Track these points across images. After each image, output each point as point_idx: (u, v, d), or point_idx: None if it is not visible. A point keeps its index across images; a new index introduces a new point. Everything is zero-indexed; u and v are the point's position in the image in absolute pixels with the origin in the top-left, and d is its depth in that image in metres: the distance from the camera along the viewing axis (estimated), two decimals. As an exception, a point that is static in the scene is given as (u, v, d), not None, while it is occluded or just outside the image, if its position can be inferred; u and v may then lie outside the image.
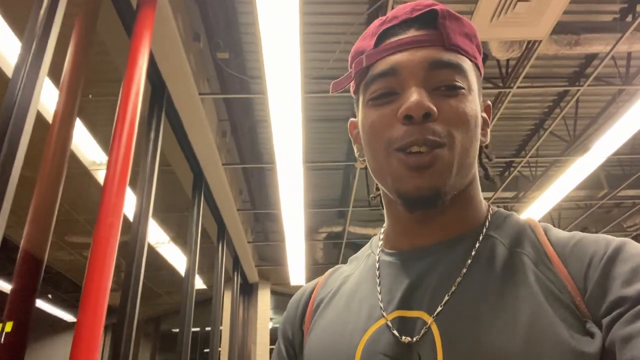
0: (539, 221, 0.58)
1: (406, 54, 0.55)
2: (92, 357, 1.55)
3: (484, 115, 0.62)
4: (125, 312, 2.19)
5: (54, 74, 1.84)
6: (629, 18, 3.76)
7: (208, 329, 5.39)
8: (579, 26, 3.65)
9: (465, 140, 0.54)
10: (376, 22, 0.60)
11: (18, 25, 2.66)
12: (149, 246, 6.06)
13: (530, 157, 5.35)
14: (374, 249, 0.64)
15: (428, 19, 0.56)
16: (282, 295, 8.36)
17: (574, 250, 0.51)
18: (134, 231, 2.31)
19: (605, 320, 0.45)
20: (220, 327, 5.69)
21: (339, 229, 6.74)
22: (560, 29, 3.60)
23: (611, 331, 0.44)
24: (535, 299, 0.48)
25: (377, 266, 0.61)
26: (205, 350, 7.59)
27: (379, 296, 0.57)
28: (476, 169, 0.60)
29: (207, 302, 5.32)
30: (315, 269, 7.48)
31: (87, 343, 1.55)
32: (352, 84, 0.62)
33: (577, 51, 3.70)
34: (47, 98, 2.48)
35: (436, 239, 0.57)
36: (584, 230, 7.44)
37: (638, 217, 6.58)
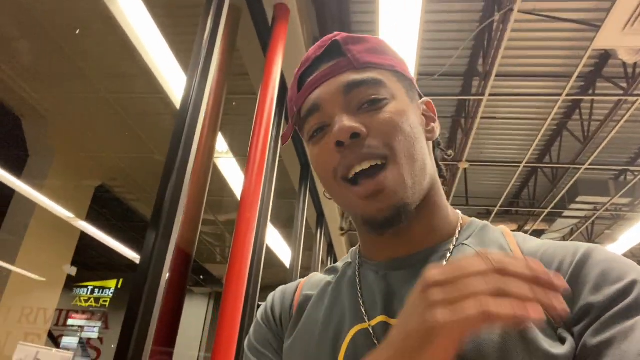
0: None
1: (322, 87, 0.58)
2: (235, 323, 1.82)
3: (427, 112, 0.64)
4: (248, 296, 2.47)
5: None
6: None
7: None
8: None
9: (406, 146, 0.55)
10: (296, 70, 0.63)
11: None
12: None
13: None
14: (353, 259, 0.66)
15: (334, 50, 0.59)
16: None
17: (543, 257, 0.52)
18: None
19: (575, 329, 0.46)
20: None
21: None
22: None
23: (582, 340, 0.45)
24: None
25: (357, 275, 0.62)
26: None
27: (360, 301, 0.58)
28: (434, 174, 0.61)
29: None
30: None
31: (231, 312, 1.82)
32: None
33: None
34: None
35: (411, 249, 0.58)
36: None
37: None
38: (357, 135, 0.54)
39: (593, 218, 6.15)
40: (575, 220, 6.32)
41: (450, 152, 0.69)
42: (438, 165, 0.65)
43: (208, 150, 2.13)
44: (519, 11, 2.76)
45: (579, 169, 5.04)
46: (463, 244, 0.57)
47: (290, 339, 0.62)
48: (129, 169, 5.16)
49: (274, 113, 2.22)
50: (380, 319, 0.55)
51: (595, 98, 4.36)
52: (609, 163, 5.37)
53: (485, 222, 0.61)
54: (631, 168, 5.27)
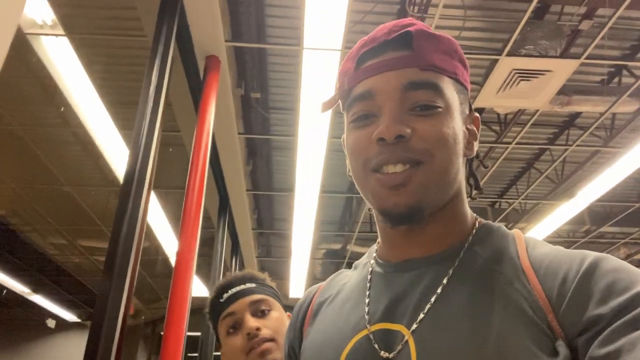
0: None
1: (382, 76, 0.56)
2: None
3: (471, 127, 0.63)
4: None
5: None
6: (616, 80, 4.23)
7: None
8: (571, 88, 4.10)
9: (443, 159, 0.55)
10: (358, 43, 0.61)
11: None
12: (165, 256, 6.34)
13: (520, 199, 5.86)
14: (370, 258, 0.66)
15: (404, 40, 0.57)
16: (280, 307, 8.70)
17: (549, 266, 0.51)
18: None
19: (581, 340, 0.45)
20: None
21: (337, 246, 7.17)
22: (554, 89, 4.09)
23: (589, 351, 0.44)
24: (505, 319, 0.49)
25: (368, 276, 0.63)
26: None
27: (366, 307, 0.59)
28: (461, 184, 0.61)
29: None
30: (314, 283, 7.84)
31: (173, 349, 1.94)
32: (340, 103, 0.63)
33: (568, 110, 4.16)
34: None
35: (423, 252, 0.59)
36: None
37: (616, 252, 7.10)
38: (402, 138, 0.54)
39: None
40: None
41: (487, 163, 0.70)
42: (474, 176, 0.66)
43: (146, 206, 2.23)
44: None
45: (465, 198, 5.78)
46: (473, 250, 0.58)
47: (304, 344, 0.65)
48: (30, 200, 4.86)
49: (207, 169, 2.40)
50: (380, 325, 0.56)
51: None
52: (486, 193, 6.22)
53: (499, 225, 0.62)
54: (501, 200, 6.20)
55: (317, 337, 0.62)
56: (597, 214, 6.52)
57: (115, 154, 3.81)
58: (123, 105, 3.46)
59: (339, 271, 0.73)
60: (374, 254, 0.66)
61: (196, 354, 3.80)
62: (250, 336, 1.04)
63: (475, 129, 0.63)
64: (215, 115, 2.93)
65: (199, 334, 3.81)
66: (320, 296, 0.69)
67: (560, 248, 0.55)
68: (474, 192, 0.66)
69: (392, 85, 0.56)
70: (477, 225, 0.61)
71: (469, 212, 0.62)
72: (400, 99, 0.56)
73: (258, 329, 1.04)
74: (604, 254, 0.51)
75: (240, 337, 1.06)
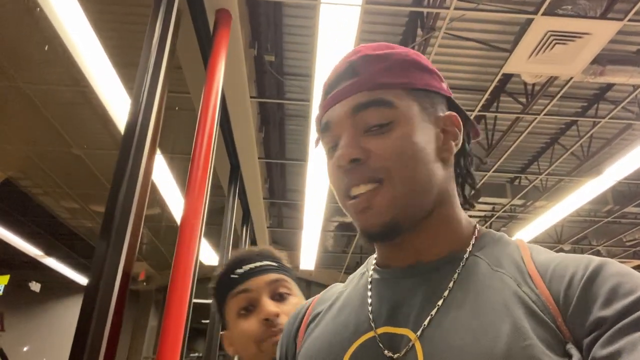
0: (535, 237, 0.67)
1: (335, 107, 0.60)
2: (179, 328, 1.84)
3: (450, 128, 0.61)
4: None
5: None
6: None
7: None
8: (605, 57, 3.85)
9: (406, 171, 0.56)
10: (326, 79, 0.65)
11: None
12: (177, 224, 6.32)
13: (543, 175, 5.62)
14: (369, 267, 0.66)
15: (355, 67, 0.60)
16: (290, 278, 8.70)
17: (555, 270, 0.52)
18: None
19: (585, 341, 0.46)
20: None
21: (350, 219, 7.06)
22: (587, 58, 3.82)
23: (592, 352, 0.45)
24: (515, 320, 0.48)
25: (369, 283, 0.63)
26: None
27: (369, 312, 0.59)
28: (445, 189, 0.60)
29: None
30: (325, 256, 7.81)
31: (175, 320, 1.85)
32: None
33: (601, 80, 3.91)
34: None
35: (423, 258, 0.59)
36: (582, 240, 7.74)
37: (638, 233, 6.87)
38: (357, 161, 0.56)
39: (493, 218, 6.84)
40: (477, 219, 6.99)
41: (486, 160, 0.68)
42: (470, 174, 0.66)
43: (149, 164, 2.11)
44: (444, 32, 3.03)
45: (484, 174, 5.58)
46: (475, 255, 0.58)
47: (300, 352, 0.64)
48: (41, 162, 4.80)
49: (215, 129, 2.25)
50: (383, 329, 0.56)
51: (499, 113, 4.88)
52: (506, 169, 6.00)
53: (501, 233, 0.62)
54: (522, 175, 5.96)
55: (314, 344, 0.62)
56: (621, 194, 6.28)
57: (125, 117, 3.68)
58: (133, 67, 3.31)
59: (331, 285, 0.74)
60: (373, 264, 0.66)
61: (207, 321, 3.76)
62: (269, 323, 0.88)
63: (455, 128, 0.62)
64: (226, 75, 2.77)
65: (209, 301, 3.75)
66: (314, 308, 0.70)
67: (564, 254, 0.55)
68: (471, 193, 0.65)
69: (343, 113, 0.59)
70: (476, 232, 0.61)
71: (463, 216, 0.62)
72: (352, 124, 0.58)
73: (277, 315, 0.89)
74: (608, 259, 0.51)
75: (254, 321, 0.90)
